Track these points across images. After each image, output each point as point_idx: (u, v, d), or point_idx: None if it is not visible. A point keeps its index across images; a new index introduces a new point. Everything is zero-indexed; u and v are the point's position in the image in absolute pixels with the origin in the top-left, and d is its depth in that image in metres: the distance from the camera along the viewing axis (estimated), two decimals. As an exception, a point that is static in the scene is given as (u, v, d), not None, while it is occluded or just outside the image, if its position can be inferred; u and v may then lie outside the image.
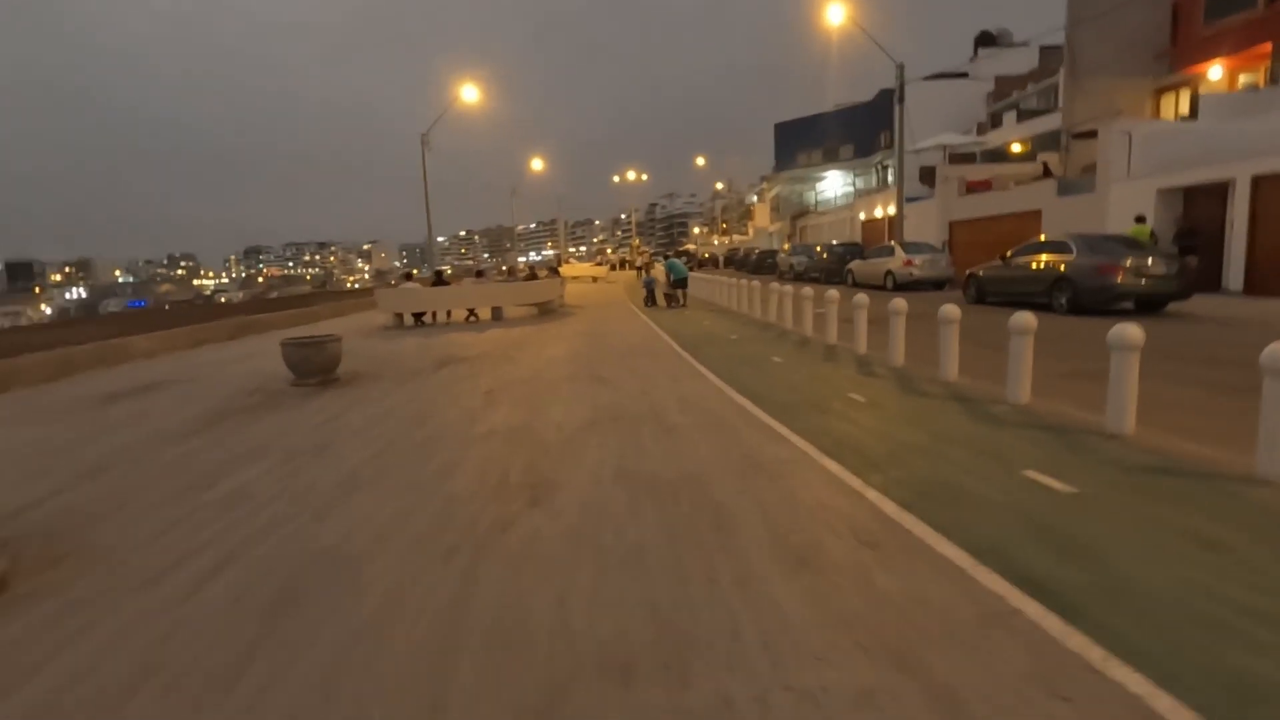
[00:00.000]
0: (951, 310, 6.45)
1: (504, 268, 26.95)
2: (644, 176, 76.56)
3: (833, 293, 9.33)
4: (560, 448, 4.84)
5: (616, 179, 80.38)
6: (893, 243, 20.30)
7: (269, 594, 2.89)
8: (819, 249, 27.14)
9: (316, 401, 6.98)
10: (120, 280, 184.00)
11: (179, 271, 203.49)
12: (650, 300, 18.24)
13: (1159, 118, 21.00)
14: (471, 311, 15.38)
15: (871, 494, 3.68)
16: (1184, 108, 20.40)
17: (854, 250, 24.36)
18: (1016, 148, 30.98)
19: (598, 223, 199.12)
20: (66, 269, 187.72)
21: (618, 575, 2.89)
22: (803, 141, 48.30)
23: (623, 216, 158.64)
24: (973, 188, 22.34)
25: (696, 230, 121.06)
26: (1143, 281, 10.87)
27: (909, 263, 18.92)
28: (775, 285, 12.33)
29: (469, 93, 29.81)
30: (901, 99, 22.75)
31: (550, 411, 6.00)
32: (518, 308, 17.02)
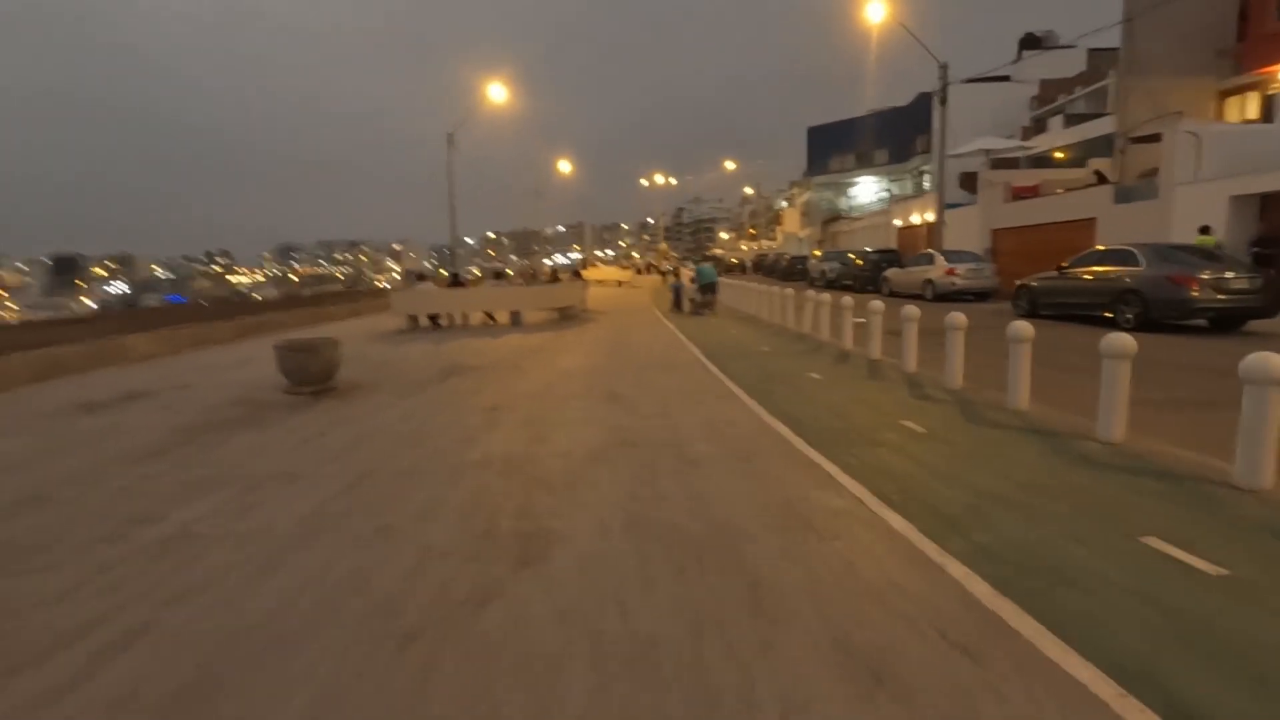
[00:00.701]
0: (1024, 329, 5.57)
1: (530, 270, 26.37)
2: (671, 180, 75.81)
3: (877, 303, 8.48)
4: (563, 485, 4.10)
5: (644, 182, 79.78)
6: (933, 250, 19.27)
7: (164, 694, 2.19)
8: (853, 255, 26.12)
9: (304, 415, 6.34)
10: (159, 275, 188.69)
11: (215, 267, 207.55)
12: (677, 305, 17.50)
13: (1222, 120, 19.67)
14: (489, 315, 14.77)
15: (955, 567, 2.87)
16: (1252, 111, 19.05)
17: (890, 257, 23.32)
18: (1060, 154, 29.67)
19: (625, 226, 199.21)
20: (109, 264, 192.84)
21: (621, 686, 2.13)
22: (836, 146, 47.23)
23: (650, 221, 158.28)
24: (1018, 194, 21.18)
25: (724, 235, 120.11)
26: (1222, 296, 9.80)
27: (951, 271, 17.89)
28: (811, 294, 11.49)
29: (497, 92, 29.44)
30: (944, 99, 21.71)
31: (557, 436, 5.27)
32: (538, 312, 16.39)
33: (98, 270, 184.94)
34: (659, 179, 71.67)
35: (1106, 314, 11.09)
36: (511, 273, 17.57)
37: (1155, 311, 10.16)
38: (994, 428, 5.13)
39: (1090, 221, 16.95)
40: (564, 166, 52.71)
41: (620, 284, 36.68)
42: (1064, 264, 12.35)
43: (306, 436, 5.50)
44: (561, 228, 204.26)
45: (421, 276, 14.79)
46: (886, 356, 8.40)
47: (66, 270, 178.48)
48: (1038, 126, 36.64)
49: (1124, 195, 16.23)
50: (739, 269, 50.11)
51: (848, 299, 9.43)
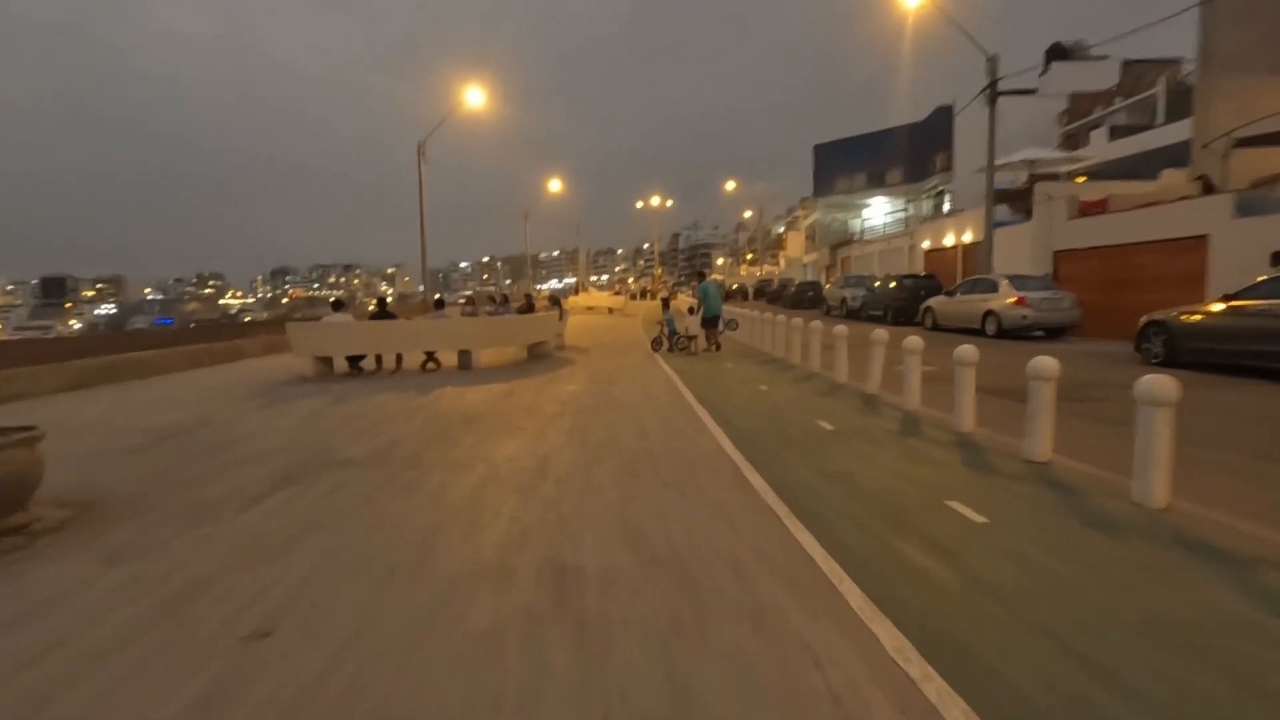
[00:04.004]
0: None
1: (495, 295, 22.63)
2: (668, 202, 72.88)
3: (1046, 359, 4.80)
4: None
5: (640, 204, 77.15)
6: (997, 275, 15.74)
7: None
8: (880, 281, 22.64)
9: None
10: (149, 298, 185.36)
11: (207, 290, 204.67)
12: (671, 343, 13.88)
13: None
14: (430, 356, 11.06)
15: None
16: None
17: (929, 284, 19.83)
18: (1082, 175, 26.46)
19: (620, 251, 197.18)
20: (99, 285, 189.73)
21: None
22: (844, 165, 44.11)
23: (645, 245, 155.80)
24: (1084, 209, 17.76)
25: (720, 260, 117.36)
26: None
27: (1021, 301, 14.34)
28: (882, 334, 7.90)
29: (474, 96, 26.39)
30: (994, 99, 18.41)
31: None
32: (503, 350, 12.72)
33: (88, 292, 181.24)
34: (655, 201, 68.69)
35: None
36: (441, 301, 13.83)
37: None
38: None
39: (1198, 241, 13.47)
40: (554, 186, 49.66)
41: (612, 311, 33.12)
42: (1229, 294, 8.81)
43: None
44: (557, 252, 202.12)
45: (339, 304, 11.06)
46: (1069, 456, 4.75)
47: (55, 292, 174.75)
48: (1067, 141, 33.61)
49: (1249, 207, 12.76)
50: (739, 295, 46.71)
51: (969, 349, 5.77)
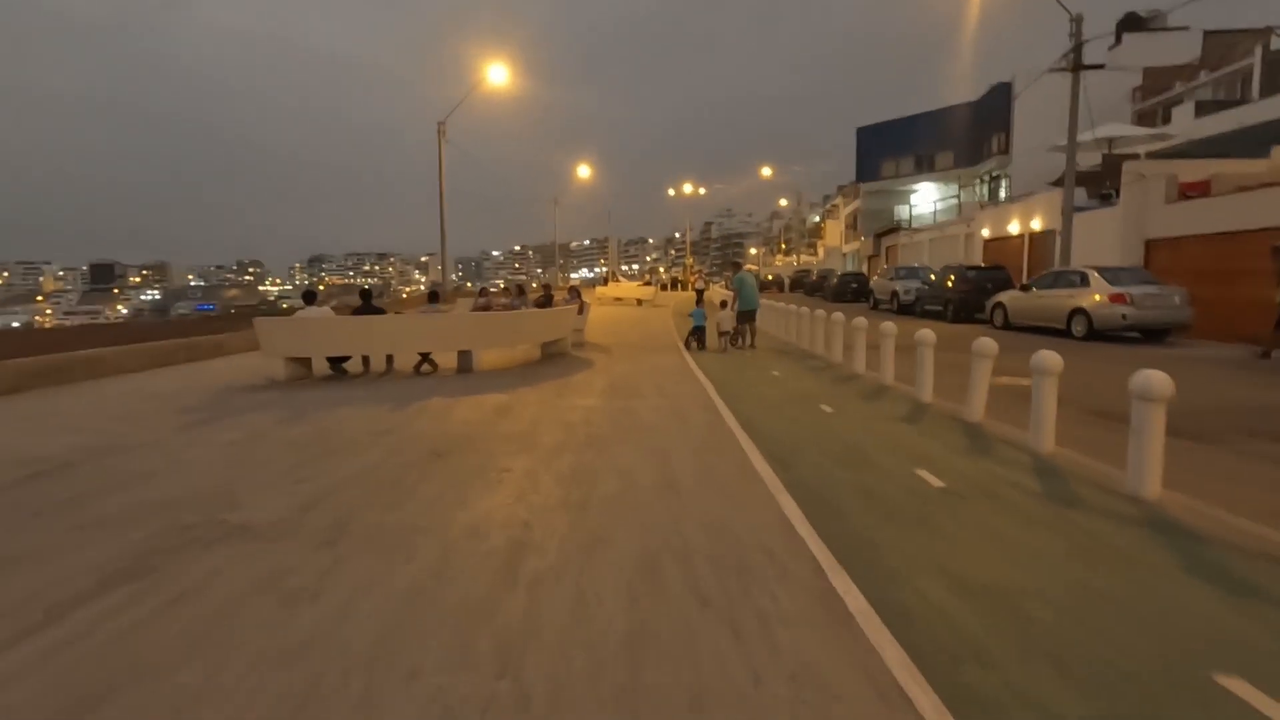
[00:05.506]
0: None
1: (509, 286, 20.89)
2: (700, 190, 70.61)
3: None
4: None
5: (671, 192, 75.28)
6: (1085, 267, 13.57)
7: None
8: (936, 274, 20.46)
9: None
10: (192, 284, 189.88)
11: (246, 277, 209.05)
12: (698, 342, 12.21)
13: None
14: (424, 358, 9.46)
15: None
16: None
17: (997, 277, 17.64)
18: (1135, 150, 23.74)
19: (651, 241, 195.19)
20: (144, 272, 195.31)
21: None
22: (890, 148, 41.48)
23: (677, 234, 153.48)
24: (1185, 192, 15.41)
25: (753, 250, 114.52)
26: None
27: (1119, 298, 12.19)
28: (986, 343, 6.02)
29: (497, 74, 24.83)
30: (1078, 65, 16.13)
31: None
32: (514, 349, 11.10)
33: (134, 278, 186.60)
34: (688, 189, 66.45)
35: None
36: (436, 293, 12.21)
37: None
38: None
39: (1345, 226, 11.19)
40: (584, 172, 47.99)
41: (641, 302, 31.37)
42: None
43: None
44: (588, 241, 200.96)
45: (311, 296, 9.49)
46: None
47: (103, 278, 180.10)
48: (1143, 118, 30.71)
49: None
50: (775, 286, 44.53)
51: (1159, 377, 3.88)
